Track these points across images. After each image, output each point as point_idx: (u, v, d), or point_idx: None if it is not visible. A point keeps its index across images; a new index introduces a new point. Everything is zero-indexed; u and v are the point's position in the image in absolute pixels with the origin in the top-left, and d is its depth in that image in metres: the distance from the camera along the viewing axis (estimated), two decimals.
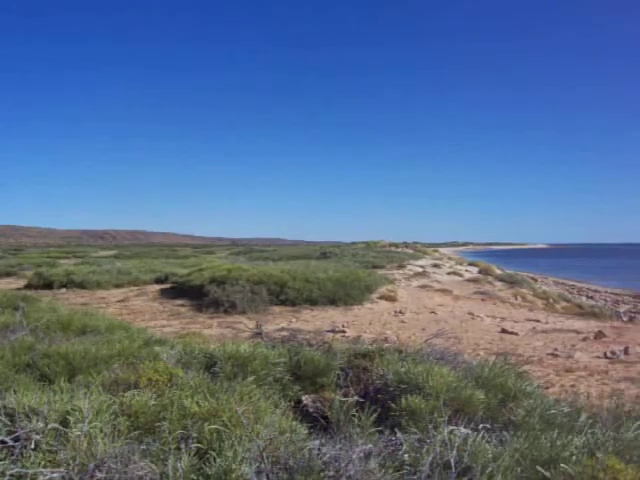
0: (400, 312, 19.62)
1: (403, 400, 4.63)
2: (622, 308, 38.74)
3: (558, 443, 3.93)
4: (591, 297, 46.44)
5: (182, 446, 3.79)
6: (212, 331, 15.52)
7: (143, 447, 3.74)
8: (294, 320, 17.93)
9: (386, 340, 13.47)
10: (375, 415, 4.49)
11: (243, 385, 5.03)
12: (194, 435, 3.95)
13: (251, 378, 5.29)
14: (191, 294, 22.08)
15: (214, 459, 3.59)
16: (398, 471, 3.56)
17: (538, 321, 18.65)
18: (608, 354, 12.43)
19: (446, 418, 4.20)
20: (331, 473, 3.46)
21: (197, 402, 4.36)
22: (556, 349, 13.14)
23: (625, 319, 28.10)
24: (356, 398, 5.14)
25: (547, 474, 3.59)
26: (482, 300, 25.38)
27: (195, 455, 3.77)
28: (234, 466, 3.46)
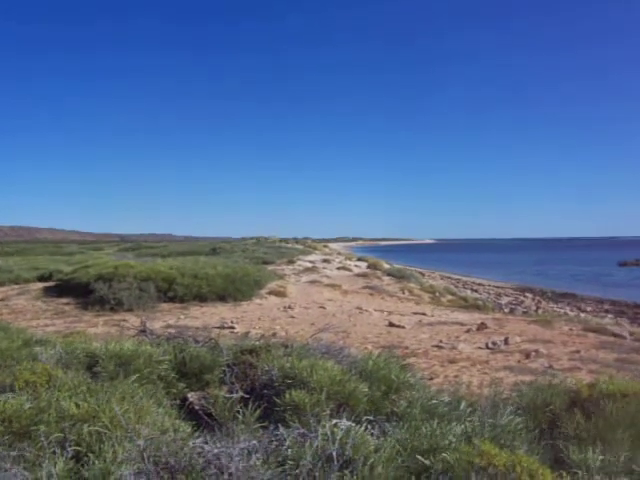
0: (289, 307, 19.71)
1: (287, 395, 4.63)
2: (504, 300, 40.30)
3: (438, 432, 4.03)
4: (475, 290, 47.98)
5: (59, 450, 3.66)
6: (98, 330, 15.13)
7: (15, 453, 3.59)
8: (182, 317, 17.72)
9: (275, 335, 13.49)
10: (260, 411, 4.48)
11: (125, 384, 4.91)
12: (72, 438, 3.82)
13: (133, 377, 5.16)
14: (76, 292, 21.47)
15: (92, 462, 3.49)
16: (282, 466, 3.55)
17: (424, 314, 19.11)
18: (489, 345, 12.87)
19: (329, 411, 4.24)
20: (213, 471, 3.42)
21: (76, 403, 4.22)
22: (441, 341, 13.49)
23: (506, 311, 29.25)
24: (241, 394, 5.11)
25: (427, 462, 3.67)
26: (370, 294, 25.81)
27: (73, 458, 3.65)
28: (112, 468, 3.37)
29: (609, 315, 34.31)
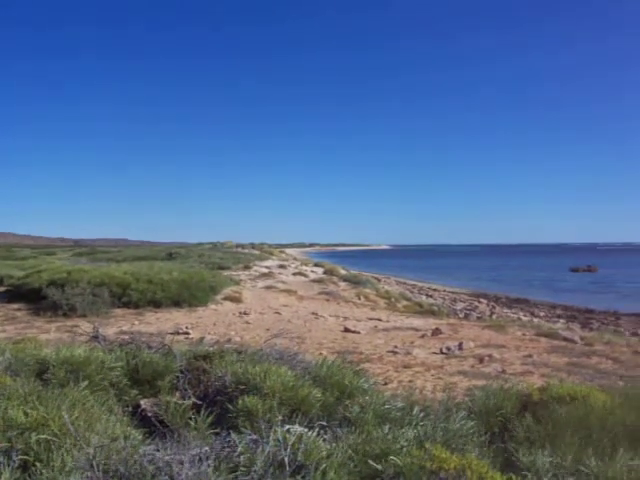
0: (245, 313, 19.64)
1: (240, 401, 4.62)
2: (459, 306, 40.72)
3: (389, 437, 4.06)
4: (431, 296, 48.42)
5: (5, 460, 3.58)
6: (50, 336, 14.88)
7: None
8: (137, 322, 17.55)
9: (230, 341, 13.44)
10: (213, 417, 4.46)
11: (76, 391, 4.84)
12: (20, 447, 3.75)
13: (84, 383, 5.09)
14: (28, 298, 21.12)
15: (40, 471, 3.43)
16: (233, 472, 3.54)
17: (380, 320, 19.22)
18: (444, 350, 13.00)
19: (282, 417, 4.24)
20: (164, 478, 3.39)
21: (25, 411, 4.14)
22: (396, 346, 13.58)
23: (461, 316, 29.60)
24: (192, 400, 5.07)
25: (378, 467, 3.69)
26: (326, 300, 25.85)
27: (20, 468, 3.58)
28: (61, 477, 3.32)
29: (561, 320, 34.92)
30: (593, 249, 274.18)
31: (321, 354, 12.01)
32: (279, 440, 3.65)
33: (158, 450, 3.72)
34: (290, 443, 3.61)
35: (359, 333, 15.80)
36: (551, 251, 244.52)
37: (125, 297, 20.67)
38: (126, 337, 9.79)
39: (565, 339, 15.94)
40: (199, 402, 5.09)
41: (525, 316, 35.56)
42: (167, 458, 3.52)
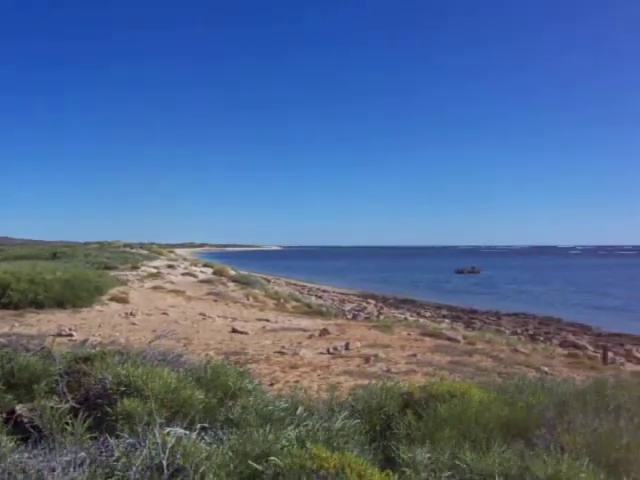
0: (131, 314, 19.23)
1: (120, 404, 4.51)
2: (347, 307, 41.26)
3: (271, 437, 4.05)
4: (320, 297, 48.83)
5: None
6: None
7: None
8: (17, 324, 16.86)
9: (114, 343, 13.11)
10: (91, 421, 4.33)
11: None
12: None
13: None
14: None
15: None
16: (109, 477, 3.45)
17: (268, 320, 19.24)
18: (331, 350, 13.12)
19: (163, 420, 4.16)
20: None
21: None
22: (283, 347, 13.61)
23: (349, 317, 29.99)
24: (70, 404, 4.91)
25: (259, 467, 3.68)
26: (215, 301, 25.67)
27: None
28: None
29: (446, 320, 35.96)
30: (476, 252, 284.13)
31: (208, 355, 11.89)
32: (157, 443, 3.58)
33: (30, 457, 3.58)
34: (169, 446, 3.55)
35: (247, 334, 15.75)
36: (437, 253, 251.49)
37: (5, 298, 19.81)
38: (3, 340, 9.41)
39: (449, 338, 16.43)
40: (78, 406, 4.93)
41: (412, 316, 36.40)
42: (39, 465, 3.39)
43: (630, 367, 21.18)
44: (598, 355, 21.95)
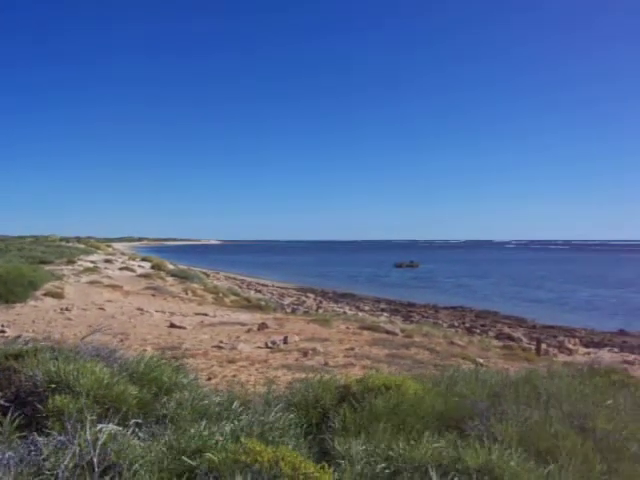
0: (67, 309, 18.87)
1: (50, 401, 4.41)
2: (287, 301, 41.27)
3: (205, 432, 4.02)
4: (259, 291, 48.75)
5: None
6: None
7: None
8: None
9: (49, 339, 12.84)
10: (21, 419, 4.23)
11: None
12: None
13: None
14: None
15: None
16: (38, 477, 3.37)
17: (206, 315, 19.10)
18: (269, 344, 13.10)
19: (95, 417, 4.08)
20: None
21: None
22: (221, 341, 13.53)
23: (288, 311, 29.98)
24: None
25: (193, 463, 3.64)
26: (153, 295, 25.38)
27: None
28: None
29: (385, 313, 36.27)
30: (415, 246, 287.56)
31: (145, 350, 11.74)
32: (88, 440, 3.51)
33: None
34: (100, 443, 3.49)
35: (185, 328, 15.61)
36: (376, 247, 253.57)
37: None
38: None
39: (387, 332, 16.56)
40: (8, 404, 4.81)
41: (351, 310, 36.61)
42: None
43: (562, 358, 21.74)
44: (532, 347, 22.46)
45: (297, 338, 13.90)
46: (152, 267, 43.76)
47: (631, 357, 24.83)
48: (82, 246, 72.83)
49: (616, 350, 26.72)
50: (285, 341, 13.37)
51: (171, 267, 44.85)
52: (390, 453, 4.32)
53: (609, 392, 7.01)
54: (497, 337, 28.27)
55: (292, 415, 4.96)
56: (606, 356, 24.52)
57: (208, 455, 3.62)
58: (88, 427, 3.67)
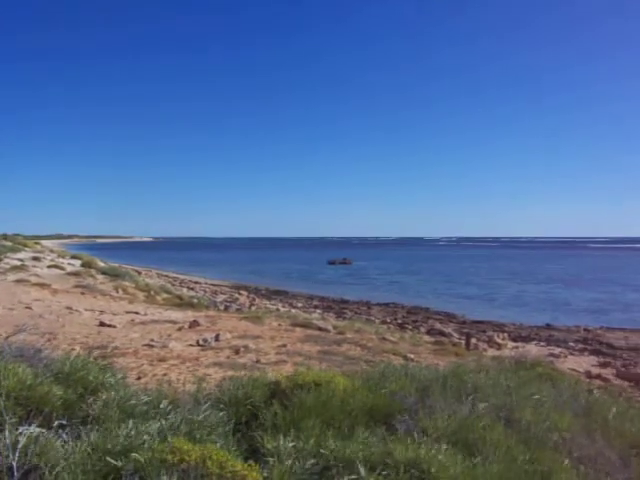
0: None
1: None
2: (219, 298, 41.01)
3: (132, 432, 3.96)
4: (192, 289, 48.34)
5: None
6: None
7: None
8: None
9: None
10: None
11: None
12: None
13: None
14: None
15: None
16: None
17: (137, 313, 18.81)
18: (201, 342, 12.98)
19: (14, 419, 3.97)
20: None
21: None
22: (152, 340, 13.34)
23: (221, 308, 29.78)
24: None
25: (119, 464, 3.59)
26: (82, 294, 24.86)
27: None
28: None
29: (318, 310, 36.40)
30: (348, 243, 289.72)
31: (73, 350, 11.50)
32: (7, 444, 3.42)
33: None
34: (20, 446, 3.40)
35: (115, 327, 15.34)
36: (309, 245, 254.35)
37: None
38: None
39: (319, 328, 16.60)
40: None
41: (284, 307, 36.61)
42: None
43: (491, 352, 22.20)
44: (462, 342, 22.86)
45: (229, 335, 13.82)
46: (82, 265, 42.86)
47: (557, 350, 25.56)
48: (9, 243, 70.88)
49: (543, 344, 27.46)
50: (217, 339, 13.27)
51: (102, 265, 44.00)
52: (320, 449, 4.33)
53: (534, 385, 7.20)
54: (428, 333, 28.69)
55: (221, 413, 4.93)
56: (533, 350, 25.15)
57: (134, 455, 3.57)
58: (7, 430, 3.57)
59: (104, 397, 4.81)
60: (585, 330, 31.78)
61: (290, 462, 4.12)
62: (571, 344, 27.45)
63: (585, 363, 23.09)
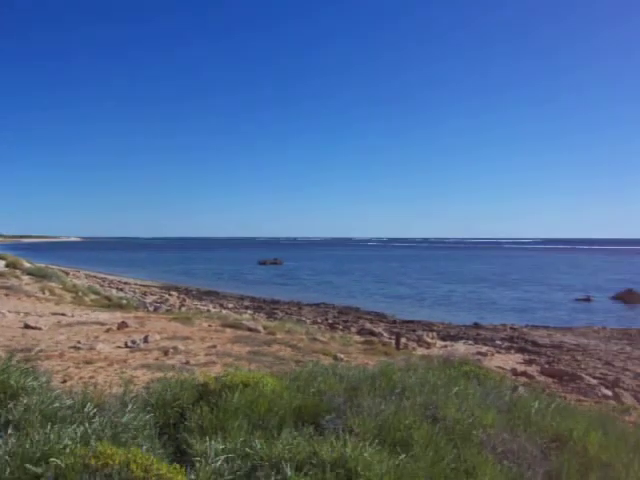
0: None
1: None
2: (149, 299, 40.51)
3: (52, 437, 3.87)
4: (121, 289, 47.64)
5: None
6: None
7: None
8: None
9: None
10: None
11: None
12: None
13: None
14: None
15: None
16: None
17: (64, 315, 18.42)
18: (129, 343, 12.79)
19: None
20: None
21: None
22: (79, 342, 13.08)
23: (151, 309, 29.42)
24: None
25: (38, 470, 3.50)
26: (6, 295, 24.19)
27: None
28: None
29: (249, 311, 36.31)
30: (277, 243, 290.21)
31: None
32: None
33: None
34: None
35: (41, 329, 14.98)
36: (238, 245, 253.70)
37: None
38: None
39: (249, 329, 16.57)
40: None
41: (215, 308, 36.39)
42: None
43: (421, 351, 22.53)
44: (392, 341, 23.12)
45: (158, 337, 13.66)
46: (7, 265, 41.71)
47: (484, 349, 26.10)
48: None
49: (471, 342, 28.01)
50: (146, 340, 13.09)
51: (28, 265, 42.92)
52: (247, 450, 4.32)
53: (460, 382, 7.33)
54: (359, 332, 28.93)
55: (148, 416, 4.87)
56: (461, 348, 25.65)
57: (54, 461, 3.49)
58: None
59: (25, 401, 4.69)
60: (511, 328, 32.60)
61: (218, 464, 4.10)
62: (498, 342, 28.08)
63: (511, 361, 23.66)
